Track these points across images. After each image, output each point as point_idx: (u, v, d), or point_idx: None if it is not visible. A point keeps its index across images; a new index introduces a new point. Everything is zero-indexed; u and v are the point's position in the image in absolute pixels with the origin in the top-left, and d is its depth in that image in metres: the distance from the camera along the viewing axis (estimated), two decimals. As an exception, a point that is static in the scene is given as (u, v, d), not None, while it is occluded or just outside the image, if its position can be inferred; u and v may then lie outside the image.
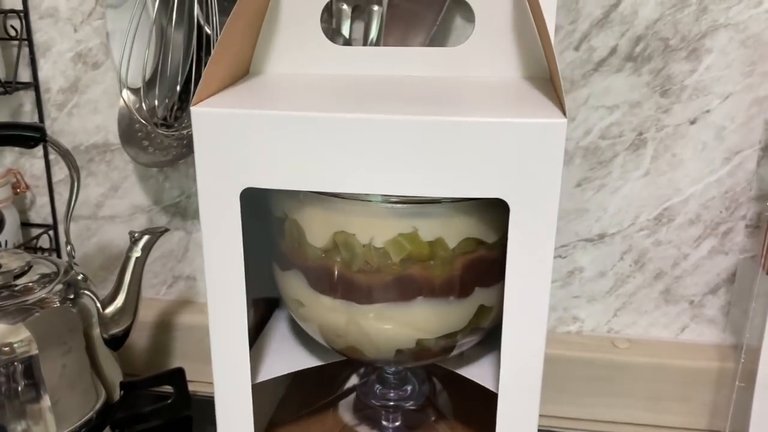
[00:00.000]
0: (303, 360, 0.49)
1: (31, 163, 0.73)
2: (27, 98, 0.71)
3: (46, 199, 0.73)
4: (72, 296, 0.56)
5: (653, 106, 0.60)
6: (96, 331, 0.58)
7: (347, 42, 0.60)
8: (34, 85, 0.70)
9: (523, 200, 0.37)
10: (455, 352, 0.45)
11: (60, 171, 0.73)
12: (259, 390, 0.45)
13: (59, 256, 0.75)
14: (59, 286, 0.56)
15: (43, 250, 0.74)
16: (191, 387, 0.65)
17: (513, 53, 0.46)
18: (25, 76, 0.70)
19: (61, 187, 0.73)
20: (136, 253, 0.59)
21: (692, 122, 0.60)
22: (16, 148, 0.71)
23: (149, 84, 0.62)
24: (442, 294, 0.42)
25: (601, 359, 0.64)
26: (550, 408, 0.64)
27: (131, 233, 0.60)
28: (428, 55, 0.47)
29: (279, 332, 0.53)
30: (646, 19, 0.58)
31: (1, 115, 0.71)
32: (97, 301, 0.59)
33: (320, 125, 0.38)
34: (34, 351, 0.52)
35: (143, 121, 0.62)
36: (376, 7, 0.59)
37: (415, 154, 0.37)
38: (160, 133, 0.63)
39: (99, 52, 0.68)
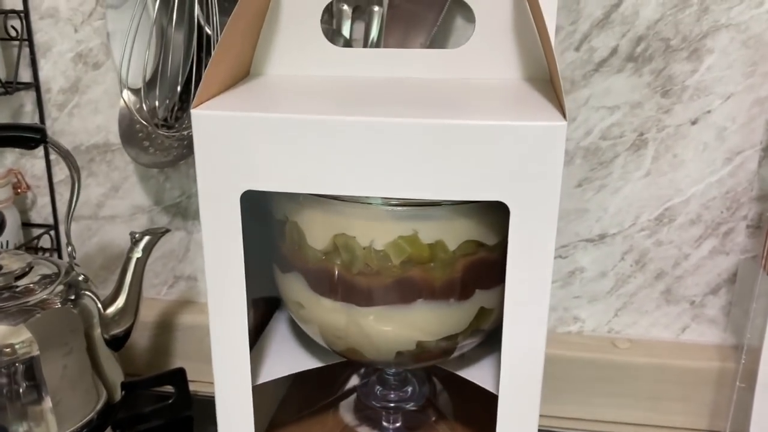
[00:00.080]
0: (303, 361, 0.49)
1: (32, 163, 0.73)
2: (28, 98, 0.71)
3: (47, 199, 0.74)
4: (73, 297, 0.56)
5: (654, 107, 0.60)
6: (97, 332, 0.58)
7: (347, 42, 0.60)
8: (35, 85, 0.70)
9: (524, 203, 0.37)
10: (455, 354, 0.45)
11: (61, 171, 0.73)
12: (259, 391, 0.46)
13: (60, 256, 0.75)
14: (60, 287, 0.56)
15: (44, 250, 0.74)
16: (192, 387, 0.65)
17: (513, 55, 0.46)
18: (25, 76, 0.70)
19: (62, 188, 0.73)
20: (137, 253, 0.59)
21: (693, 122, 0.60)
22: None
23: (150, 84, 0.62)
24: (443, 296, 0.42)
25: (601, 359, 0.64)
26: (551, 408, 0.64)
27: (132, 234, 0.60)
28: (428, 56, 0.47)
29: (279, 333, 0.53)
30: (647, 19, 0.58)
31: (2, 116, 0.71)
32: (98, 301, 0.59)
33: (320, 128, 0.38)
34: (36, 352, 0.52)
35: (144, 122, 0.62)
36: (376, 8, 0.59)
37: (416, 157, 0.37)
38: (161, 133, 0.63)
39: (99, 53, 0.68)
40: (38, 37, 0.69)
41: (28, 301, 0.54)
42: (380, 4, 0.59)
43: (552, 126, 0.36)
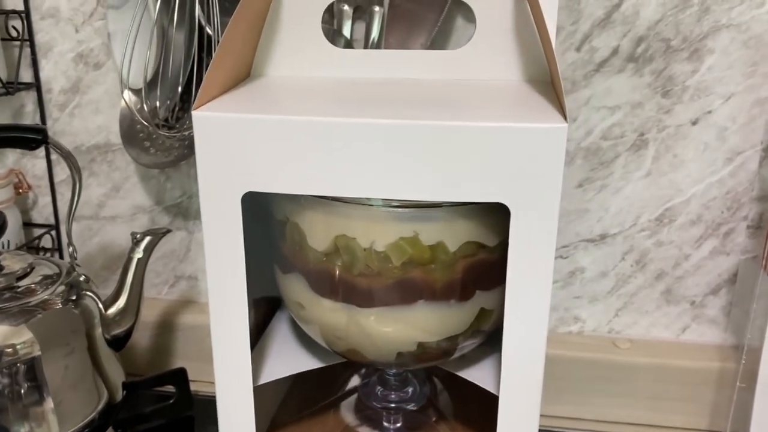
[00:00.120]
0: (304, 362, 0.49)
1: (32, 163, 0.73)
2: (29, 99, 0.71)
3: (48, 199, 0.74)
4: (74, 297, 0.56)
5: (655, 107, 0.60)
6: (98, 332, 0.58)
7: (348, 42, 0.60)
8: (36, 85, 0.70)
9: (524, 205, 0.37)
10: (456, 355, 0.45)
11: (62, 171, 0.73)
12: (260, 391, 0.46)
13: (61, 256, 0.75)
14: (61, 288, 0.56)
15: (45, 250, 0.74)
16: (193, 387, 0.66)
17: (514, 56, 0.46)
18: (26, 76, 0.70)
19: (63, 188, 0.74)
20: (138, 254, 0.60)
21: (694, 123, 0.60)
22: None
23: (150, 85, 0.62)
24: (443, 297, 0.42)
25: (602, 359, 0.64)
26: (551, 408, 0.64)
27: (133, 234, 0.60)
28: (429, 57, 0.47)
29: (280, 334, 0.53)
30: (648, 19, 0.58)
31: (3, 116, 0.72)
32: (99, 302, 0.59)
33: (322, 130, 0.38)
34: (37, 352, 0.53)
35: (145, 122, 0.62)
36: (377, 8, 0.59)
37: (417, 159, 0.37)
38: (162, 134, 0.63)
39: (100, 53, 0.68)
40: (39, 38, 0.69)
41: (30, 302, 0.54)
42: (381, 5, 0.59)
43: (553, 128, 0.36)
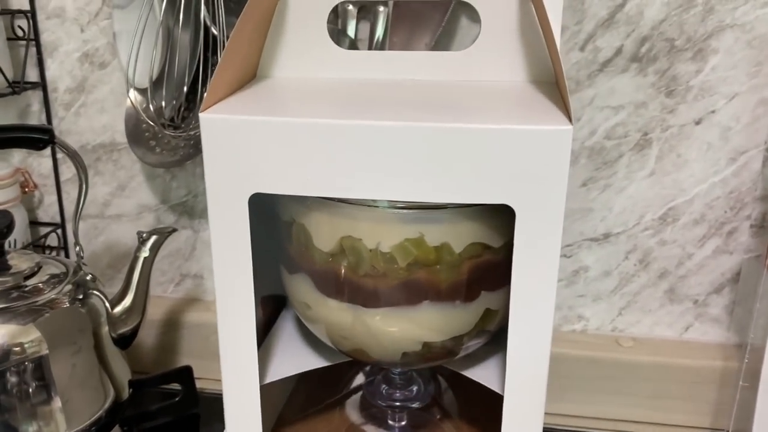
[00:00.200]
0: (310, 361, 0.50)
1: (38, 162, 0.74)
2: (35, 98, 0.71)
3: (54, 197, 0.74)
4: (81, 296, 0.57)
5: (658, 107, 0.60)
6: (105, 331, 0.59)
7: (353, 42, 0.60)
8: (42, 85, 0.70)
9: (529, 206, 0.37)
10: (461, 354, 0.46)
11: (68, 170, 0.73)
12: (266, 389, 0.46)
13: (67, 254, 0.76)
14: (68, 287, 0.56)
15: (51, 248, 0.75)
16: (198, 384, 0.66)
17: (519, 57, 0.46)
18: (32, 75, 0.70)
19: (69, 186, 0.74)
20: (144, 253, 0.60)
21: (697, 123, 0.60)
22: (24, 148, 0.71)
23: (156, 84, 0.62)
24: (448, 298, 0.42)
25: (605, 358, 0.64)
26: (555, 406, 0.65)
27: (139, 233, 0.60)
28: (434, 59, 0.48)
29: (286, 333, 0.53)
30: (652, 19, 0.58)
31: (9, 115, 0.72)
32: (105, 300, 0.59)
33: (327, 132, 0.38)
34: (45, 351, 0.53)
35: (150, 122, 0.63)
36: (381, 8, 0.59)
37: (422, 161, 0.37)
38: (167, 133, 0.63)
39: (106, 52, 0.68)
40: (45, 37, 0.69)
41: (37, 301, 0.54)
42: (385, 4, 0.59)
43: (558, 130, 0.36)
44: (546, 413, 0.42)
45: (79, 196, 0.59)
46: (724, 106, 0.59)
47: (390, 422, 0.53)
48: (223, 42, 0.58)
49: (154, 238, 0.60)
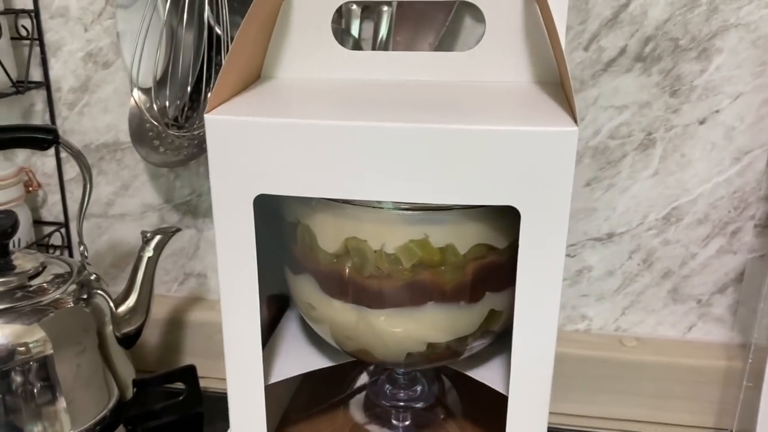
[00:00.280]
0: (315, 361, 0.50)
1: (42, 161, 0.74)
2: (38, 97, 0.71)
3: (58, 197, 0.74)
4: (85, 296, 0.57)
5: (662, 107, 0.60)
6: (109, 330, 0.59)
7: (356, 41, 0.60)
8: (46, 84, 0.70)
9: (534, 208, 0.37)
10: (465, 355, 0.46)
11: (71, 169, 0.73)
12: (270, 389, 0.46)
13: (71, 253, 0.76)
14: (73, 287, 0.57)
15: (54, 247, 0.75)
16: (202, 383, 0.66)
17: (523, 58, 0.46)
18: (36, 75, 0.70)
19: (73, 185, 0.74)
20: (148, 252, 0.60)
21: (701, 122, 0.60)
22: (28, 147, 0.71)
23: (160, 84, 0.62)
24: (453, 299, 0.42)
25: (608, 357, 0.64)
26: (558, 406, 0.64)
27: (143, 233, 0.60)
28: (438, 59, 0.47)
29: (290, 332, 0.53)
30: (656, 19, 0.58)
31: (13, 115, 0.72)
32: (109, 300, 0.59)
33: (333, 133, 0.38)
34: (49, 351, 0.53)
35: (154, 122, 0.63)
36: (385, 7, 0.59)
37: (426, 162, 0.37)
38: (171, 133, 0.63)
39: (109, 52, 0.68)
40: (48, 37, 0.69)
41: (42, 301, 0.54)
42: (389, 4, 0.59)
43: (563, 131, 0.36)
44: (549, 413, 0.42)
45: (83, 197, 0.59)
46: (729, 105, 0.59)
47: (394, 422, 0.53)
48: (227, 41, 0.58)
49: (158, 237, 0.60)
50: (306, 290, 0.45)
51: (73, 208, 0.75)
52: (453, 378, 0.58)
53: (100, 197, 0.73)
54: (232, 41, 0.57)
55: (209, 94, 0.60)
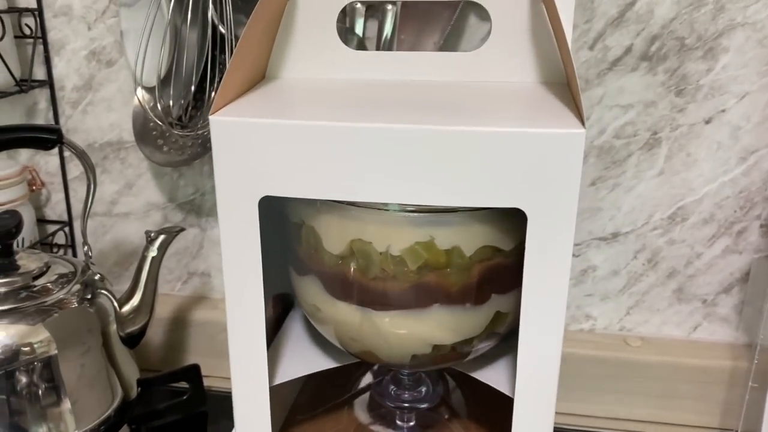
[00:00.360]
0: (319, 362, 0.50)
1: (46, 160, 0.74)
2: (42, 96, 0.71)
3: (62, 195, 0.74)
4: (89, 296, 0.57)
5: (668, 106, 0.60)
6: (113, 330, 0.59)
7: (361, 40, 0.60)
8: (49, 83, 0.70)
9: (541, 210, 0.37)
10: (471, 357, 0.46)
11: (75, 168, 0.73)
12: (275, 389, 0.46)
13: (74, 252, 0.76)
14: (77, 287, 0.57)
15: (58, 246, 0.75)
16: (206, 382, 0.66)
17: (529, 58, 0.46)
18: (39, 74, 0.70)
19: (76, 184, 0.74)
20: (152, 252, 0.60)
21: (707, 122, 0.60)
22: (32, 146, 0.71)
23: (164, 83, 0.62)
24: (459, 301, 0.42)
25: (613, 357, 0.64)
26: (562, 405, 0.64)
27: (147, 233, 0.60)
28: (444, 59, 0.47)
29: (295, 333, 0.53)
30: (662, 18, 0.58)
31: (17, 113, 0.72)
32: (114, 300, 0.59)
33: (338, 134, 0.38)
34: (54, 351, 0.53)
35: (158, 121, 0.63)
36: (390, 6, 0.59)
37: (432, 164, 0.37)
38: (175, 132, 0.63)
39: (113, 50, 0.68)
40: (52, 35, 0.69)
41: (46, 301, 0.54)
42: (394, 3, 0.58)
43: (570, 133, 0.36)
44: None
45: (87, 196, 0.59)
46: (735, 105, 0.59)
47: (398, 422, 0.53)
48: (231, 40, 0.58)
49: (162, 237, 0.60)
50: (311, 291, 0.45)
51: (76, 206, 0.75)
52: (458, 378, 0.58)
53: (104, 196, 0.73)
54: (236, 40, 0.57)
55: (214, 94, 0.60)
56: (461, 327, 0.43)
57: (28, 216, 0.70)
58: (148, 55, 0.61)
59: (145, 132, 0.65)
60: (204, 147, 0.62)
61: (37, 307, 0.54)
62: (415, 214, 0.40)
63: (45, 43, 0.69)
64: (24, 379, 0.52)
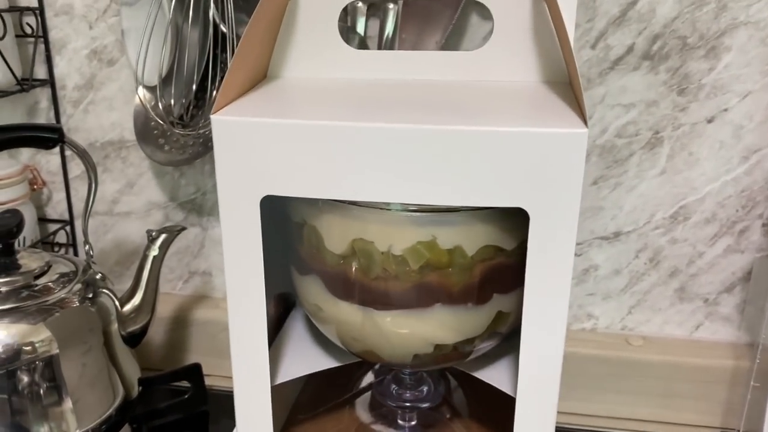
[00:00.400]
0: (321, 361, 0.50)
1: (47, 159, 0.74)
2: (43, 95, 0.71)
3: (63, 194, 0.74)
4: (91, 295, 0.57)
5: (670, 105, 0.60)
6: (114, 329, 0.59)
7: (362, 39, 0.60)
8: (50, 82, 0.70)
9: (543, 209, 0.37)
10: (472, 356, 0.46)
11: (76, 167, 0.73)
12: (276, 388, 0.46)
13: (75, 251, 0.76)
14: (78, 286, 0.56)
15: (59, 245, 0.75)
16: (207, 381, 0.66)
17: (531, 57, 0.46)
18: (41, 73, 0.70)
19: (78, 183, 0.74)
20: (154, 251, 0.60)
21: (709, 121, 0.59)
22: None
23: (165, 82, 0.62)
24: (461, 301, 0.42)
25: (615, 357, 0.64)
26: (564, 405, 0.64)
27: (149, 232, 0.60)
28: (446, 58, 0.47)
29: (296, 333, 0.53)
30: (664, 17, 0.58)
31: (18, 112, 0.72)
32: (115, 299, 0.59)
33: (339, 134, 0.38)
34: (55, 350, 0.53)
35: (159, 120, 0.63)
36: (391, 5, 0.59)
37: (434, 163, 0.37)
38: (176, 132, 0.63)
39: (114, 49, 0.68)
40: (53, 34, 0.69)
41: (47, 300, 0.54)
42: (395, 2, 0.58)
43: (573, 133, 0.36)
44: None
45: (88, 195, 0.59)
46: (737, 104, 0.59)
47: (400, 422, 0.53)
48: (232, 39, 0.58)
49: (163, 236, 0.60)
50: (313, 291, 0.45)
51: (78, 205, 0.74)
52: (459, 378, 0.58)
53: (105, 195, 0.73)
54: (237, 39, 0.57)
55: (215, 93, 0.60)
56: (463, 326, 0.43)
57: (29, 215, 0.70)
58: (150, 54, 0.61)
59: (146, 131, 0.65)
60: (205, 146, 0.62)
61: (38, 306, 0.54)
62: (417, 213, 0.40)
63: (46, 42, 0.69)
64: (25, 379, 0.52)
